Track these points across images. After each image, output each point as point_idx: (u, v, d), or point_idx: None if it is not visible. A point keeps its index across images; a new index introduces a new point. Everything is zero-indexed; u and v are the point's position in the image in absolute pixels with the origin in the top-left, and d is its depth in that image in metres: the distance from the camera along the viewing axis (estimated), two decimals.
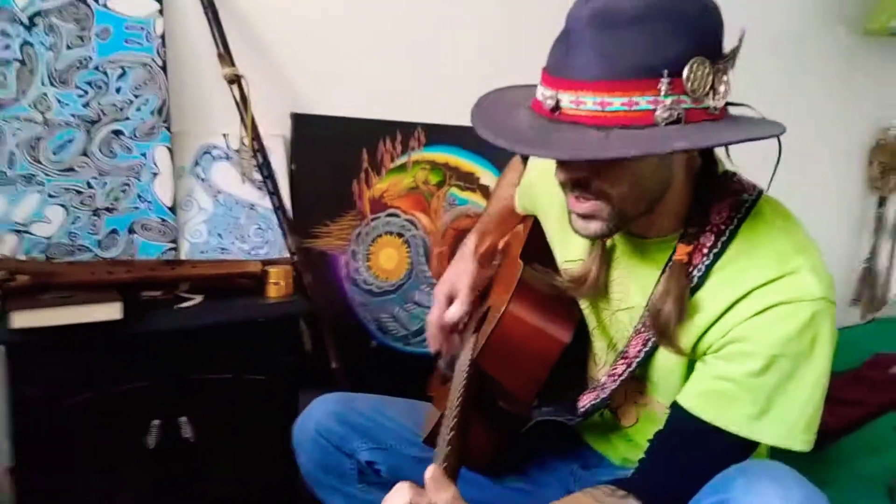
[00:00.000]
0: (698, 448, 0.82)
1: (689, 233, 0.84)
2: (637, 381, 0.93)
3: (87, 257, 1.33)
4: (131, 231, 1.37)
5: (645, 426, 0.96)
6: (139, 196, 1.37)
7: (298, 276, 1.45)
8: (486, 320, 1.09)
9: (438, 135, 1.72)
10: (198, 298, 1.34)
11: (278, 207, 1.46)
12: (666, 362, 0.88)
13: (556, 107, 0.73)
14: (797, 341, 0.77)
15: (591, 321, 1.00)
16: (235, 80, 1.39)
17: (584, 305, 1.00)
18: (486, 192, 1.79)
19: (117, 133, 1.34)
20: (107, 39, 1.32)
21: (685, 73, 0.70)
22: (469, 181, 1.78)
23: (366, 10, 1.61)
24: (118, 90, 1.34)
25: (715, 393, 0.80)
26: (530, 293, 1.01)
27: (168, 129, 1.39)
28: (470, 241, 1.22)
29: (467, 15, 1.72)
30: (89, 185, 1.33)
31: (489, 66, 1.61)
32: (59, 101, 1.29)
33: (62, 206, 1.31)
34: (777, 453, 0.83)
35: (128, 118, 1.35)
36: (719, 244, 0.82)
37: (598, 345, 1.00)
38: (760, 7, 2.01)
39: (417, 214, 1.74)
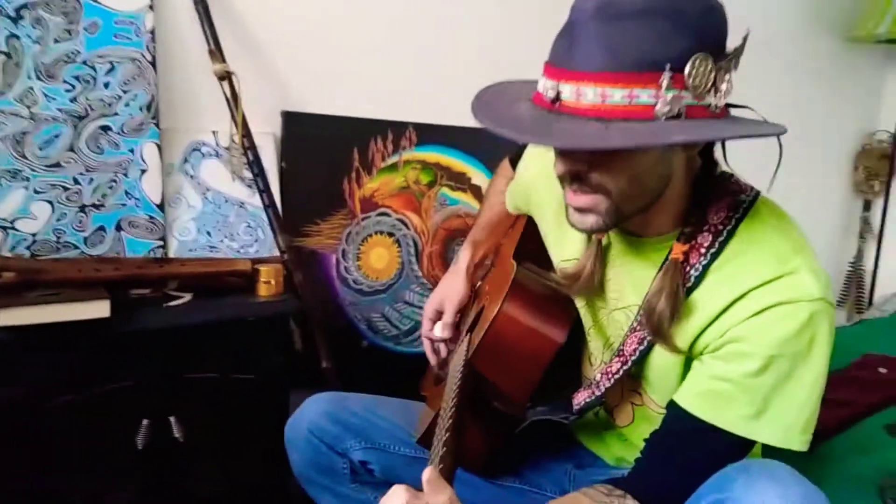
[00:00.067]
0: (695, 447, 0.82)
1: (686, 232, 0.84)
2: (633, 380, 0.93)
3: (73, 255, 1.31)
4: (119, 228, 1.35)
5: (640, 426, 0.96)
6: (127, 193, 1.35)
7: (289, 275, 1.44)
8: (479, 321, 1.08)
9: (430, 134, 1.71)
10: (187, 297, 1.32)
11: (268, 206, 1.45)
12: (662, 361, 0.87)
13: (557, 98, 0.73)
14: (795, 342, 0.77)
15: (588, 321, 1.00)
16: (226, 76, 1.38)
17: (580, 305, 1.00)
18: (477, 192, 1.79)
19: (105, 129, 1.32)
20: (95, 33, 1.30)
21: (687, 68, 0.69)
22: (460, 181, 1.78)
23: (359, 9, 1.61)
24: (106, 85, 1.32)
25: (712, 393, 0.80)
26: (524, 294, 1.01)
27: (157, 125, 1.37)
28: (463, 255, 1.23)
29: (460, 15, 1.73)
30: (76, 182, 1.31)
31: (481, 65, 1.60)
32: (45, 96, 1.27)
33: (48, 202, 1.29)
34: (769, 452, 0.83)
35: (116, 114, 1.33)
36: (717, 244, 0.82)
37: (595, 345, 1.00)
38: (746, 13, 2.02)
39: (408, 214, 1.73)
